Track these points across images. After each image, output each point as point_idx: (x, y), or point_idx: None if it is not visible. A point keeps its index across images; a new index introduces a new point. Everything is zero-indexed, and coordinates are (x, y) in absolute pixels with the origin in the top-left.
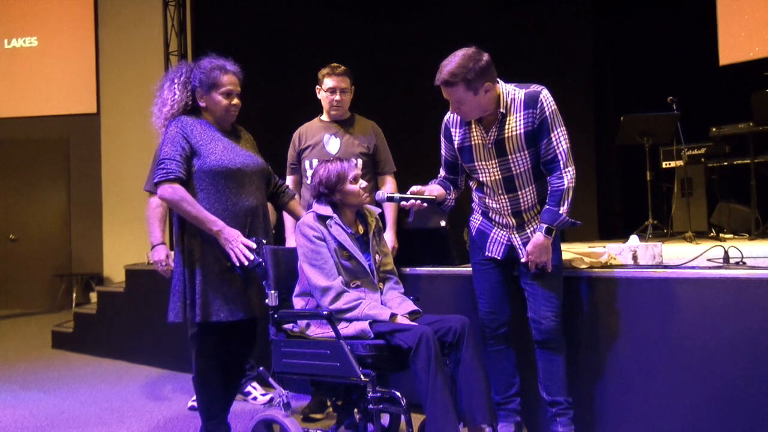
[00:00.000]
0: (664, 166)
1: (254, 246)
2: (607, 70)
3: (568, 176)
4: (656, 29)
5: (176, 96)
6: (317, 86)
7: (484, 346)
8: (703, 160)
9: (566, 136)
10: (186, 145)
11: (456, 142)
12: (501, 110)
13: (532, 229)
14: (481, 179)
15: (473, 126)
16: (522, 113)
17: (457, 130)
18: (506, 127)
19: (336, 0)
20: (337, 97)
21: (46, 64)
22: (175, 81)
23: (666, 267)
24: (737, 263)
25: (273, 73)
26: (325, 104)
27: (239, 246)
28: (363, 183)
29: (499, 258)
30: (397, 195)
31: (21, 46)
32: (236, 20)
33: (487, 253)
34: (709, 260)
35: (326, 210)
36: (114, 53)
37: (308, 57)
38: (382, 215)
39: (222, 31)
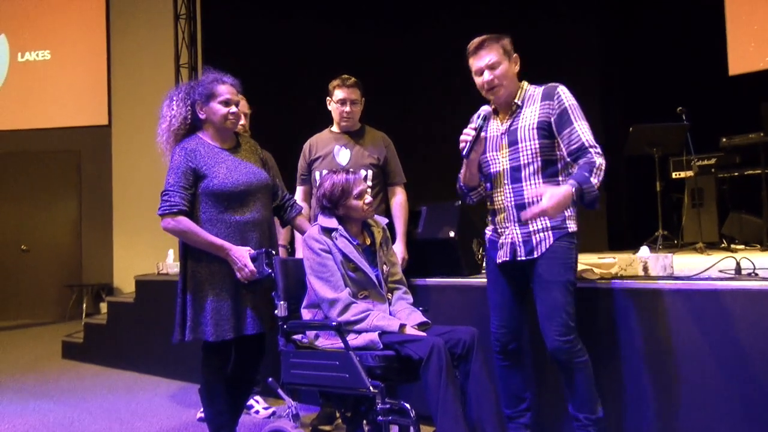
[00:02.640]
0: (674, 176)
1: (253, 268)
2: (615, 80)
3: (600, 159)
4: (665, 39)
5: (173, 111)
6: (328, 98)
7: (494, 360)
8: (713, 170)
9: (590, 130)
10: (190, 173)
11: None
12: (517, 101)
13: (535, 228)
14: (490, 170)
15: (492, 118)
16: (538, 105)
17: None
18: (521, 117)
19: (345, 12)
20: (347, 108)
21: (58, 77)
22: (174, 98)
23: (677, 278)
24: (749, 274)
25: (283, 84)
26: (335, 115)
27: (245, 265)
28: (368, 198)
29: (508, 259)
30: (483, 124)
31: (34, 60)
32: (246, 33)
33: (498, 260)
34: (720, 271)
35: (331, 222)
36: (125, 66)
37: (318, 69)
38: (391, 226)
39: (232, 44)
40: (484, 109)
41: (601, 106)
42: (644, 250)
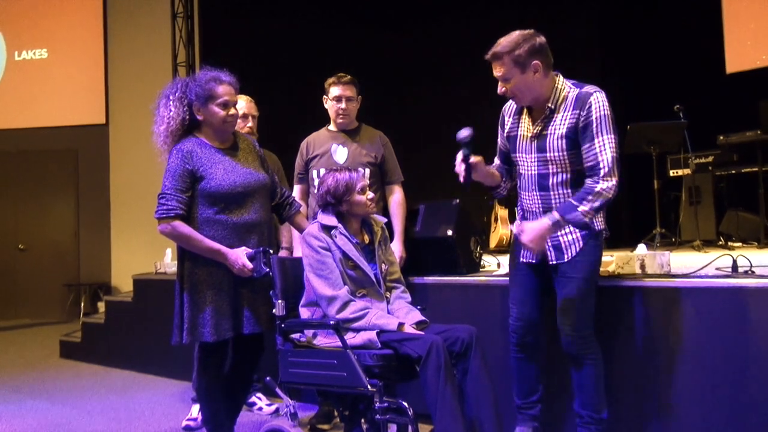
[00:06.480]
0: (671, 174)
1: (251, 266)
2: (613, 78)
3: (605, 183)
4: (663, 37)
5: (171, 112)
6: (324, 96)
7: (510, 352)
8: (710, 168)
9: (614, 146)
10: (187, 175)
11: (506, 130)
12: (550, 105)
13: (563, 231)
14: (521, 171)
15: (524, 116)
16: (570, 112)
17: (510, 119)
18: (551, 123)
19: (343, 11)
20: (343, 105)
21: (55, 76)
22: (171, 97)
23: (674, 276)
24: (746, 272)
25: (280, 83)
26: (331, 113)
27: (243, 265)
28: (370, 194)
29: (533, 261)
30: (467, 150)
31: (31, 58)
32: (243, 31)
33: (521, 259)
34: (717, 269)
35: (331, 220)
36: (123, 64)
37: (316, 67)
38: (389, 225)
39: (229, 42)
40: (463, 134)
41: None
42: (641, 248)
